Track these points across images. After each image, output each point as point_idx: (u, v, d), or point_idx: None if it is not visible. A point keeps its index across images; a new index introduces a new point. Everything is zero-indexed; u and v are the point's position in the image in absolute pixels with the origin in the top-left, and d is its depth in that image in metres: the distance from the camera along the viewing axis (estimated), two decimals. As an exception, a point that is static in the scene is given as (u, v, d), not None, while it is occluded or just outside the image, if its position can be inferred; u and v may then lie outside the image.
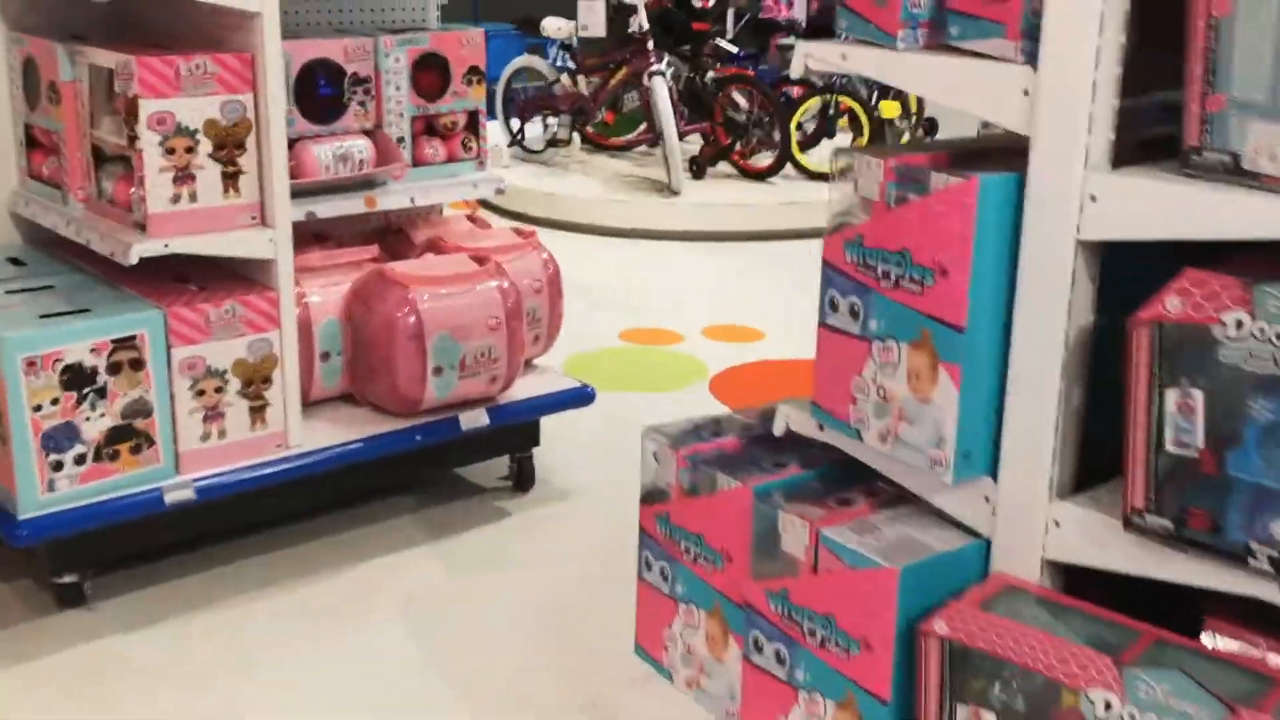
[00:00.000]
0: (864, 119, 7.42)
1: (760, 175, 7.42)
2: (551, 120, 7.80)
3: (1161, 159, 1.52)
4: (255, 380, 3.29)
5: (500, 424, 3.71)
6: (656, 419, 4.63)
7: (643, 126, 8.10)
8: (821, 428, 1.75)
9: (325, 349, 3.56)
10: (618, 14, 7.45)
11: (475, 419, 3.65)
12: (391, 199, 3.72)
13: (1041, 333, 1.50)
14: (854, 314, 1.65)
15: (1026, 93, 1.48)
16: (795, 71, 1.71)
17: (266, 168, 3.21)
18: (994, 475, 1.60)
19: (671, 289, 6.13)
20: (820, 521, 1.66)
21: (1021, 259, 1.51)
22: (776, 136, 7.43)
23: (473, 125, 3.91)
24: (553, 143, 7.81)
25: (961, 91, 1.55)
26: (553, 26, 7.59)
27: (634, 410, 4.57)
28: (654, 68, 7.03)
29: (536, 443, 3.92)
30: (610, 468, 4.15)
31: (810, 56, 1.70)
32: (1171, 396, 1.39)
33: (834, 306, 1.68)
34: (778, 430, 1.82)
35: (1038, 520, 1.56)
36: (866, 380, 1.66)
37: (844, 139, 7.88)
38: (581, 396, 3.91)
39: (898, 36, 1.61)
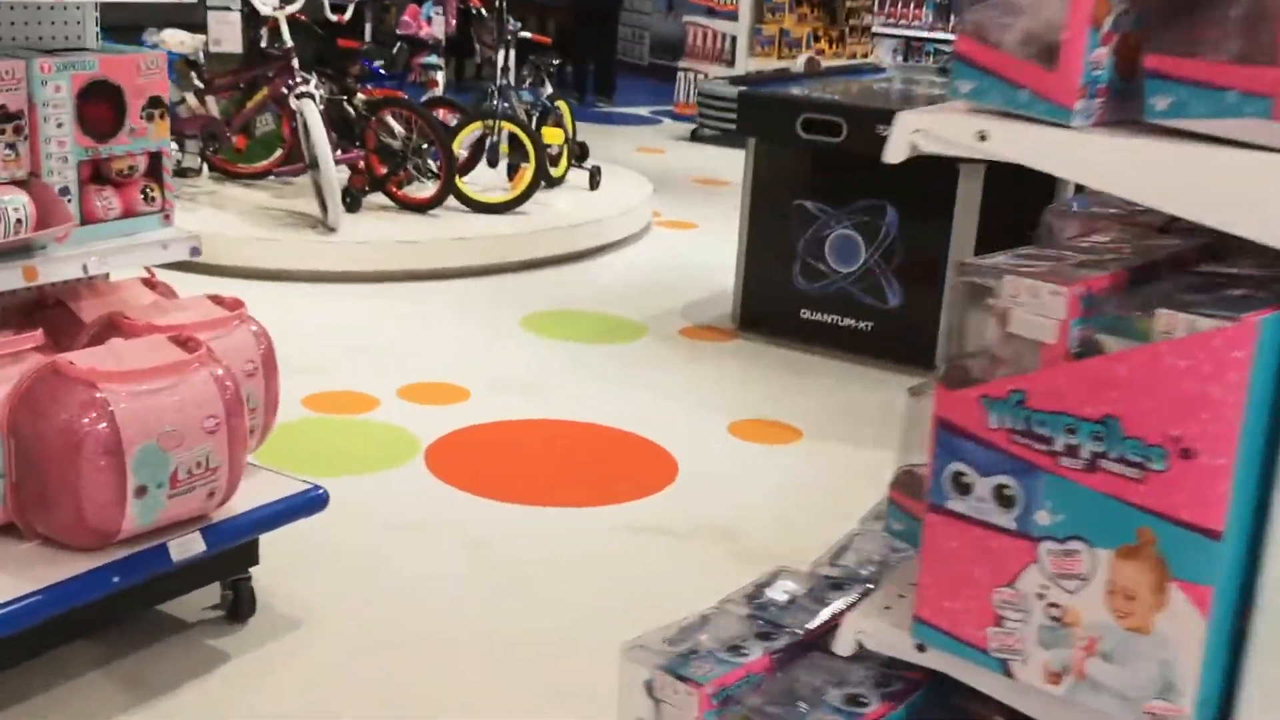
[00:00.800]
0: (529, 145, 6.93)
1: (420, 207, 6.77)
2: (173, 146, 6.82)
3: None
4: (-111, 529, 2.41)
5: (219, 548, 2.96)
6: (379, 508, 3.97)
7: (278, 153, 7.26)
8: (923, 648, 1.25)
9: (-21, 472, 2.69)
10: (251, 27, 6.60)
11: (188, 546, 2.89)
12: (57, 268, 2.89)
13: (1326, 536, 1.07)
14: (1003, 500, 1.16)
15: (1311, 199, 1.04)
16: (896, 154, 1.20)
17: (-105, 238, 2.35)
18: (1221, 724, 1.16)
19: (350, 342, 5.39)
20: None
21: (1296, 432, 1.07)
22: (433, 165, 6.82)
23: (155, 170, 3.13)
24: (179, 172, 6.83)
25: (1193, 192, 1.09)
26: (174, 40, 6.62)
27: (348, 499, 3.84)
28: (301, 88, 6.24)
29: (255, 561, 3.18)
30: (337, 577, 3.46)
31: (924, 133, 1.19)
32: None
33: (962, 487, 1.18)
34: (843, 650, 1.30)
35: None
36: (1025, 594, 1.17)
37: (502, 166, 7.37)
38: (313, 502, 3.21)
39: (1074, 110, 1.13)
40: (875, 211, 5.38)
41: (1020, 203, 6.24)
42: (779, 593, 1.50)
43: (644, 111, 12.88)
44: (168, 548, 2.83)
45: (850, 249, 5.45)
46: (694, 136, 11.22)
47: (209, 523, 2.93)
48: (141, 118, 3.04)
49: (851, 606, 1.36)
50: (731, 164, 10.20)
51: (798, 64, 10.29)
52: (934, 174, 5.26)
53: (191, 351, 2.86)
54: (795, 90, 5.57)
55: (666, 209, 8.09)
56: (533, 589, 3.48)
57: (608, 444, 4.52)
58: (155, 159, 3.11)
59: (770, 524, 3.95)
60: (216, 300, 3.25)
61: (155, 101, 3.06)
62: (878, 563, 1.54)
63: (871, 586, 1.45)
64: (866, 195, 5.38)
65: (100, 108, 2.97)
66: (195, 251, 3.16)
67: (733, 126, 5.40)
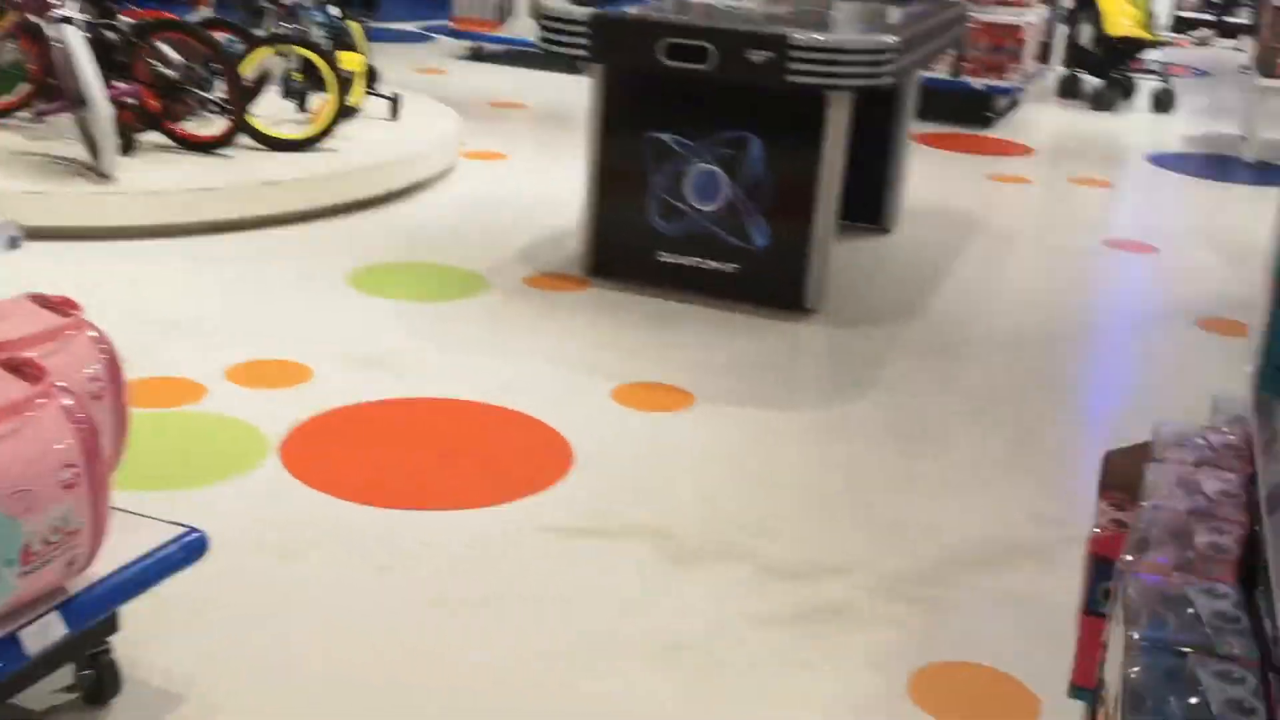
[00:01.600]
0: (326, 73, 6.14)
1: (206, 146, 5.92)
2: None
3: None
4: None
5: (82, 627, 2.32)
6: (242, 529, 3.27)
7: (23, 88, 6.23)
8: None
9: None
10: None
11: (45, 632, 2.25)
12: None
13: None
14: None
15: None
16: None
17: None
18: None
19: (155, 314, 4.61)
20: None
21: None
22: (213, 95, 5.96)
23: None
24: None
25: None
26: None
27: (201, 519, 3.04)
28: (59, 11, 5.29)
29: (115, 629, 2.53)
30: (216, 629, 2.84)
31: None
32: None
33: None
34: None
35: None
36: None
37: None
38: (189, 549, 2.57)
39: None
40: (738, 144, 4.93)
41: (868, 129, 5.82)
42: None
43: (411, 27, 12.02)
44: (19, 639, 2.17)
45: (712, 185, 5.00)
46: (475, 55, 10.51)
47: (66, 596, 2.27)
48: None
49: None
50: (523, 84, 9.57)
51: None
52: (799, 102, 4.85)
53: (33, 381, 2.18)
54: (651, 11, 5.02)
55: (469, 138, 7.43)
56: (456, 616, 2.94)
57: (486, 424, 3.96)
58: (-50, 122, 2.36)
59: (693, 511, 3.51)
60: (42, 302, 2.53)
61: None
62: None
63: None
64: (729, 127, 4.92)
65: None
66: (15, 243, 2.44)
67: (583, 53, 4.82)
